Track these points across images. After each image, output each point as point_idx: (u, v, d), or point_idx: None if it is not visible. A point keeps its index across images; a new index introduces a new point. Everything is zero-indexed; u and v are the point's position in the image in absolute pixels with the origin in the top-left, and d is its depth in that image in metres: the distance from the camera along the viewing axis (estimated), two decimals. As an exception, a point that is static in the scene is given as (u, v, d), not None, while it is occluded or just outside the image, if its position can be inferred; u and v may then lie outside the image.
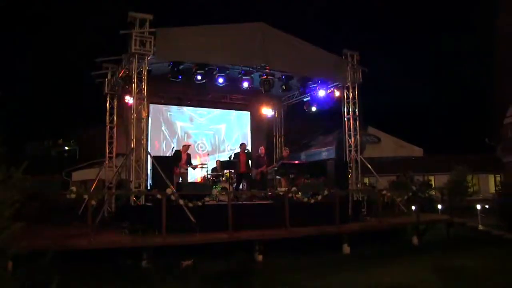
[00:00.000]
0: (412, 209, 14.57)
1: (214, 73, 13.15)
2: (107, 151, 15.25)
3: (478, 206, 16.21)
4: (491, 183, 31.51)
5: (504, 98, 28.94)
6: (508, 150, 29.03)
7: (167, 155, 15.04)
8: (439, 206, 17.27)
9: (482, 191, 27.69)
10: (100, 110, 16.37)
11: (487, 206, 16.24)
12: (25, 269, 2.62)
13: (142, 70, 11.59)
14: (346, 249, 11.67)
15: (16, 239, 2.56)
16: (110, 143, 15.32)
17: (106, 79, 14.98)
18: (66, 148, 41.70)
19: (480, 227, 15.11)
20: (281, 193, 11.98)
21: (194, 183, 13.63)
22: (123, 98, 14.92)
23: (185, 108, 17.22)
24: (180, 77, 12.64)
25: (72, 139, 40.23)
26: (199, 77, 13.00)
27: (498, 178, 31.41)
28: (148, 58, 11.59)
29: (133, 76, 11.51)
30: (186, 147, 14.08)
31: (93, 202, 9.39)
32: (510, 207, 15.41)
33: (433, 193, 20.19)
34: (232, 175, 13.89)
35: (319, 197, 11.99)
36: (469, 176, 22.33)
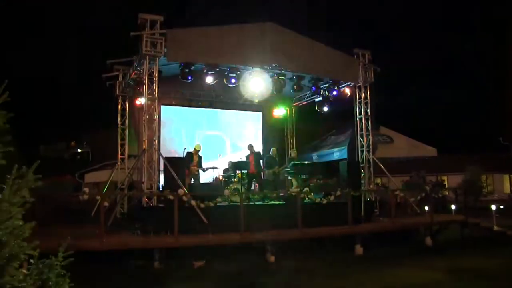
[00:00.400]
0: (425, 210, 14.44)
1: (225, 73, 13.12)
2: (119, 152, 15.33)
3: (493, 207, 15.99)
4: (506, 183, 31.11)
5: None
6: (522, 149, 28.72)
7: (179, 156, 15.05)
8: (453, 207, 17.11)
9: (497, 191, 27.35)
10: (112, 112, 16.48)
11: (501, 207, 16.01)
12: (37, 270, 2.61)
13: (153, 72, 11.62)
14: (359, 249, 11.61)
15: (28, 240, 2.55)
16: (122, 145, 15.40)
17: (117, 81, 15.04)
18: (79, 150, 42.19)
19: (495, 227, 14.89)
20: (293, 194, 11.92)
21: (206, 184, 13.63)
22: (135, 100, 14.96)
23: (196, 109, 17.21)
24: (190, 78, 12.62)
25: (84, 142, 40.68)
26: (210, 78, 12.99)
27: (513, 178, 31.03)
28: (159, 59, 11.61)
29: (144, 77, 11.53)
30: (198, 149, 14.08)
31: (106, 204, 9.42)
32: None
33: (447, 193, 20.01)
34: (243, 176, 13.86)
35: (332, 198, 11.92)
36: (484, 176, 22.09)
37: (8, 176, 2.64)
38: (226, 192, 11.62)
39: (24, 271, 2.53)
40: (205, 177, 14.73)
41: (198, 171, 13.79)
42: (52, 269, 2.74)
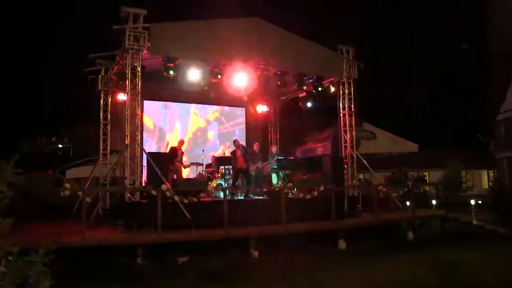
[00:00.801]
0: (406, 205, 14.61)
1: (209, 68, 13.02)
2: (101, 148, 15.16)
3: (472, 202, 16.27)
4: (484, 178, 31.62)
5: (498, 94, 29.05)
6: (501, 146, 29.17)
7: (162, 152, 14.95)
8: (434, 202, 17.35)
9: (476, 187, 27.80)
10: (93, 107, 16.26)
11: (479, 202, 16.31)
12: (17, 267, 2.54)
13: (136, 66, 11.47)
14: (342, 244, 11.68)
15: (7, 236, 2.48)
16: (104, 140, 15.22)
17: (100, 76, 14.84)
18: (60, 146, 41.54)
19: (474, 222, 15.17)
20: (277, 189, 11.92)
21: (189, 179, 13.56)
22: (117, 95, 14.78)
23: (180, 105, 17.09)
24: (173, 72, 12.51)
25: (65, 137, 40.07)
26: (194, 73, 12.87)
27: (491, 174, 31.53)
28: (142, 53, 11.48)
29: (127, 72, 11.38)
30: (181, 143, 14.00)
31: (88, 199, 9.29)
32: (503, 203, 15.55)
33: (427, 188, 20.25)
34: (227, 171, 13.81)
35: (315, 193, 11.95)
36: (463, 171, 22.42)
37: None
38: (210, 187, 11.56)
39: (2, 268, 2.47)
40: (188, 173, 14.67)
41: (181, 166, 13.72)
42: (32, 266, 2.68)
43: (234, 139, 15.11)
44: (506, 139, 28.60)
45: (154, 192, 9.77)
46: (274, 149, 15.27)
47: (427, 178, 27.80)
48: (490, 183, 30.25)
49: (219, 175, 14.13)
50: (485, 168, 31.18)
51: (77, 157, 26.04)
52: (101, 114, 15.23)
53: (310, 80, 14.97)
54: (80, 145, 28.21)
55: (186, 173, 14.61)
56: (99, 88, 15.01)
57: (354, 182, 14.70)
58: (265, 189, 13.12)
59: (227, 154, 15.17)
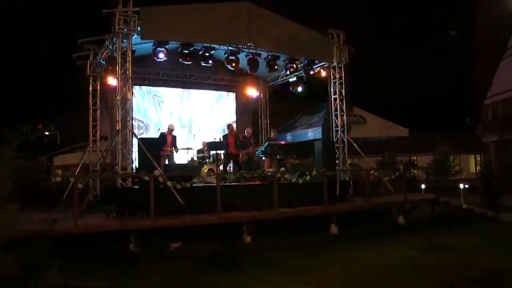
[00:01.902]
0: (396, 189, 14.72)
1: (200, 53, 12.91)
2: (90, 134, 15.00)
3: (461, 185, 16.44)
4: (471, 163, 32.00)
5: (485, 78, 29.22)
6: (488, 130, 29.44)
7: (152, 137, 14.82)
8: (423, 186, 17.51)
9: (464, 171, 28.07)
10: (80, 93, 16.05)
11: (466, 186, 16.49)
12: (22, 253, 2.49)
13: (126, 51, 11.32)
14: (334, 229, 11.73)
15: (12, 222, 2.41)
16: (94, 126, 15.06)
17: (88, 61, 14.62)
18: (46, 133, 41.02)
19: (464, 205, 15.34)
20: (269, 174, 11.91)
21: (181, 165, 13.47)
22: (106, 80, 14.58)
23: (169, 89, 16.94)
24: (164, 57, 12.39)
25: (52, 124, 39.57)
26: (184, 57, 12.76)
27: (478, 158, 31.89)
28: (132, 37, 11.31)
29: (117, 56, 11.21)
30: (171, 129, 13.89)
31: (80, 186, 9.18)
32: (492, 186, 15.74)
33: (416, 172, 20.40)
34: (219, 156, 13.76)
35: (307, 178, 11.96)
36: (452, 156, 22.59)
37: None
38: (203, 172, 11.52)
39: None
40: (180, 158, 14.59)
41: (172, 152, 13.64)
42: (39, 252, 2.63)
43: (228, 123, 15.05)
44: (493, 123, 28.87)
45: (146, 178, 9.68)
46: (273, 134, 15.20)
47: (416, 162, 28.05)
48: (478, 167, 30.62)
49: (210, 160, 14.09)
50: (472, 152, 31.53)
51: (65, 144, 25.73)
52: (90, 100, 15.01)
53: (301, 65, 14.91)
54: (67, 132, 27.85)
55: (178, 158, 14.52)
56: (88, 73, 14.79)
57: (345, 166, 14.73)
58: (256, 175, 13.11)
59: (218, 139, 15.09)
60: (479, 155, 31.52)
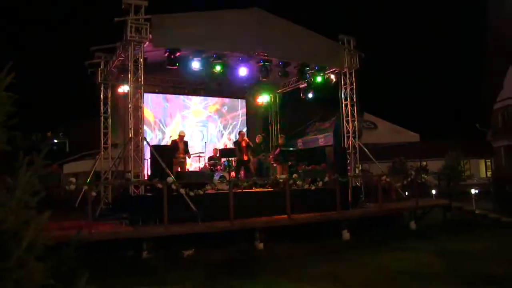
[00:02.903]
0: (406, 195, 14.63)
1: (211, 60, 12.94)
2: (102, 142, 15.03)
3: (473, 191, 16.30)
4: (482, 168, 31.77)
5: (495, 83, 29.09)
6: (498, 135, 29.25)
7: (163, 144, 14.86)
8: (433, 191, 17.37)
9: (474, 176, 27.88)
10: (89, 101, 16.12)
11: (476, 191, 16.34)
12: (53, 262, 2.48)
13: (138, 58, 11.37)
14: (346, 235, 11.67)
15: (43, 230, 2.41)
16: (105, 134, 15.10)
17: (99, 69, 14.70)
18: (55, 141, 41.22)
19: (477, 211, 15.20)
20: (281, 180, 11.89)
21: (194, 172, 13.48)
22: (117, 88, 14.65)
23: (180, 97, 16.99)
24: (176, 64, 12.43)
25: (61, 132, 39.77)
26: (196, 65, 12.80)
27: (488, 163, 31.65)
28: (144, 45, 11.37)
29: (129, 64, 11.27)
30: (182, 135, 13.90)
31: (93, 194, 9.21)
32: (505, 191, 15.59)
33: (426, 178, 20.26)
34: (231, 164, 13.76)
35: (320, 184, 11.93)
36: (462, 161, 22.47)
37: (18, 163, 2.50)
38: (215, 179, 11.51)
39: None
40: (191, 165, 14.60)
41: (184, 158, 13.65)
42: (66, 260, 2.62)
43: (240, 130, 15.07)
44: (504, 127, 28.68)
45: (160, 185, 9.69)
46: (280, 140, 15.18)
47: (427, 168, 27.86)
48: (488, 172, 30.40)
49: (221, 167, 14.08)
50: (483, 157, 31.30)
51: (74, 152, 25.84)
52: (102, 107, 15.08)
53: (312, 71, 14.91)
54: (77, 140, 27.97)
55: (190, 165, 14.54)
56: (99, 81, 14.87)
57: (357, 172, 14.68)
58: (268, 181, 13.08)
59: (229, 146, 15.11)
60: (489, 160, 31.28)
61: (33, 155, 2.61)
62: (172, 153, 12.22)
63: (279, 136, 15.77)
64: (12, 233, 2.23)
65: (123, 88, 14.04)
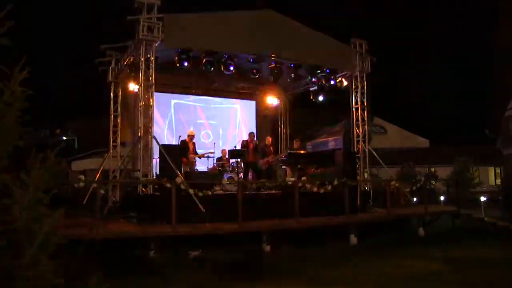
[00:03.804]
0: (415, 201, 14.53)
1: (223, 60, 12.92)
2: (111, 140, 15.03)
3: (482, 198, 16.17)
4: (491, 175, 31.55)
5: (505, 90, 28.90)
6: (508, 142, 29.01)
7: (173, 144, 14.84)
8: (441, 198, 17.26)
9: (483, 183, 27.71)
10: (99, 99, 16.13)
11: (485, 199, 16.21)
12: (65, 260, 2.45)
13: (149, 57, 11.37)
14: (354, 239, 11.60)
15: (56, 228, 2.38)
16: (115, 132, 15.10)
17: (110, 67, 14.72)
18: (64, 138, 41.36)
19: (486, 218, 15.07)
20: (289, 183, 11.84)
21: (203, 172, 13.45)
22: (127, 86, 14.66)
23: (190, 97, 17.00)
24: (187, 64, 12.43)
25: (70, 129, 39.91)
26: (207, 65, 12.78)
27: (497, 171, 31.43)
28: (156, 44, 11.37)
29: (140, 63, 11.28)
30: (192, 136, 13.89)
31: (102, 192, 9.20)
32: (513, 199, 15.49)
33: (434, 184, 20.14)
34: (239, 165, 13.72)
35: (329, 187, 11.86)
36: (472, 168, 22.35)
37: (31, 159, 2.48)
38: (224, 180, 11.48)
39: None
40: (200, 166, 14.58)
41: (195, 158, 13.63)
42: (79, 259, 2.60)
43: (250, 132, 15.06)
44: (514, 135, 28.47)
45: (168, 185, 9.67)
46: (296, 144, 15.13)
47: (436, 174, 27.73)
48: (498, 180, 30.18)
49: (230, 169, 14.05)
50: (492, 164, 31.08)
51: (82, 150, 25.92)
52: (112, 106, 15.09)
53: (323, 74, 14.84)
54: (85, 138, 28.07)
55: (198, 166, 14.52)
56: (109, 79, 14.89)
57: (366, 176, 14.60)
58: (276, 183, 13.03)
59: (238, 147, 15.06)
60: (499, 168, 31.06)
61: (47, 152, 2.58)
62: (181, 152, 12.20)
63: (294, 140, 15.65)
64: (25, 230, 2.20)
65: (133, 87, 14.04)
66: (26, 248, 2.18)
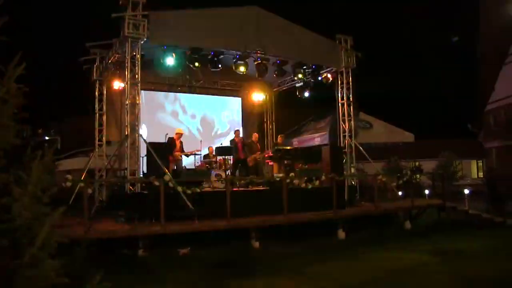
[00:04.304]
0: (400, 194, 14.68)
1: (209, 57, 12.86)
2: (96, 139, 14.89)
3: (466, 191, 16.39)
4: (473, 168, 31.98)
5: (487, 85, 29.35)
6: (490, 136, 29.53)
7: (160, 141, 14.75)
8: (426, 191, 17.44)
9: (467, 176, 28.10)
10: (83, 98, 15.94)
11: (468, 192, 16.44)
12: (66, 260, 2.42)
13: (135, 55, 11.27)
14: (341, 234, 11.68)
15: (56, 227, 2.35)
16: (100, 131, 14.96)
17: (95, 65, 14.56)
18: (46, 138, 40.82)
19: (470, 211, 15.27)
20: (277, 179, 11.86)
21: (191, 170, 13.39)
22: (112, 85, 14.51)
23: (175, 95, 16.90)
24: (173, 62, 12.35)
25: (52, 129, 39.42)
26: (192, 62, 12.71)
27: (480, 164, 31.89)
28: (142, 42, 11.27)
29: (126, 61, 11.17)
30: (180, 134, 13.81)
31: (89, 191, 9.10)
32: (498, 192, 15.72)
33: (419, 178, 20.34)
34: (227, 162, 13.70)
35: (317, 183, 11.91)
36: (455, 161, 22.63)
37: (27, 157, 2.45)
38: (213, 177, 11.44)
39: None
40: (186, 163, 14.52)
41: (181, 156, 13.56)
42: (78, 259, 2.59)
43: (236, 129, 15.02)
44: (495, 129, 28.95)
45: (157, 183, 9.60)
46: (280, 140, 15.15)
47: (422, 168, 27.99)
48: (480, 173, 30.63)
49: (217, 166, 14.02)
50: (474, 158, 31.53)
51: (66, 149, 25.60)
52: (96, 104, 14.93)
53: (309, 70, 14.88)
54: (69, 137, 27.70)
55: (185, 163, 14.46)
56: (94, 77, 14.72)
57: (353, 171, 14.69)
58: (264, 180, 13.04)
59: (224, 144, 15.04)
60: (481, 161, 31.53)
61: (44, 150, 2.55)
62: (168, 150, 12.13)
63: (278, 136, 15.66)
64: (26, 229, 2.17)
65: (118, 85, 13.91)
66: (27, 247, 2.14)
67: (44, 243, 2.21)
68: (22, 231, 2.17)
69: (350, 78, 14.69)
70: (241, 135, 14.68)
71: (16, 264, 2.11)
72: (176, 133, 13.73)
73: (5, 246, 2.06)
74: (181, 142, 13.64)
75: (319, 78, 15.09)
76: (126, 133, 11.10)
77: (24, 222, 2.16)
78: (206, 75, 15.18)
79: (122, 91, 13.35)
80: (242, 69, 13.36)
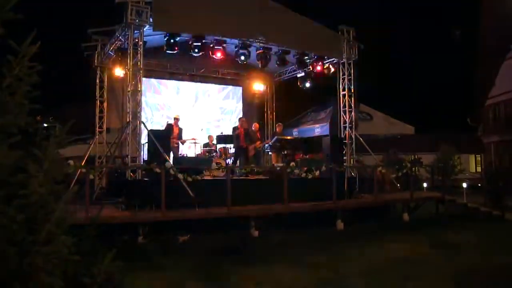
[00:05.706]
0: (399, 187, 14.72)
1: (211, 45, 12.82)
2: (97, 126, 14.86)
3: (464, 184, 16.45)
4: (471, 163, 32.04)
5: (487, 79, 29.29)
6: (489, 131, 29.55)
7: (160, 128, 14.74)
8: (424, 184, 17.50)
9: (465, 171, 28.17)
10: (83, 84, 15.86)
11: (465, 185, 16.50)
12: (77, 239, 2.44)
13: (138, 41, 11.23)
14: (340, 225, 11.73)
15: (69, 211, 2.37)
16: (101, 118, 14.93)
17: (96, 52, 14.50)
18: (45, 125, 40.78)
19: (469, 204, 15.34)
20: (278, 168, 11.89)
21: (192, 157, 13.39)
22: (113, 72, 14.47)
23: (176, 82, 16.84)
24: (176, 49, 12.31)
25: (51, 116, 39.39)
26: (196, 50, 12.67)
27: (478, 158, 31.94)
28: (144, 29, 11.23)
29: (129, 48, 11.14)
30: (177, 120, 13.77)
31: (92, 177, 9.11)
32: (497, 185, 15.77)
33: (418, 170, 20.39)
34: (227, 150, 13.71)
35: (317, 173, 11.94)
36: (455, 155, 22.64)
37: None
38: (214, 165, 11.46)
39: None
40: (185, 151, 14.52)
41: (178, 143, 13.54)
42: (89, 239, 2.61)
43: (240, 117, 14.99)
44: (494, 124, 28.99)
45: (158, 170, 9.62)
46: (278, 128, 15.14)
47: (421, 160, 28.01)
48: (478, 167, 30.70)
49: (217, 154, 14.02)
50: (473, 152, 31.57)
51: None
52: (97, 91, 14.89)
53: (310, 60, 14.84)
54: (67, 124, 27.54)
55: (186, 151, 14.46)
56: (95, 64, 14.67)
57: (353, 163, 14.71)
58: (265, 169, 13.05)
59: (224, 133, 15.03)
60: (479, 156, 31.57)
61: (58, 129, 2.57)
62: (167, 137, 12.12)
63: (276, 124, 15.64)
64: (40, 206, 2.18)
65: (120, 72, 13.86)
66: (42, 224, 2.16)
67: (59, 220, 2.22)
68: (36, 207, 2.18)
69: (352, 70, 14.66)
70: (244, 123, 14.56)
71: (32, 239, 2.12)
72: (175, 118, 13.71)
73: (23, 221, 2.07)
74: (180, 129, 13.60)
75: (321, 69, 15.02)
76: (128, 120, 11.08)
77: (39, 198, 2.17)
78: (208, 63, 15.11)
79: (123, 78, 13.29)
80: (243, 58, 13.30)
